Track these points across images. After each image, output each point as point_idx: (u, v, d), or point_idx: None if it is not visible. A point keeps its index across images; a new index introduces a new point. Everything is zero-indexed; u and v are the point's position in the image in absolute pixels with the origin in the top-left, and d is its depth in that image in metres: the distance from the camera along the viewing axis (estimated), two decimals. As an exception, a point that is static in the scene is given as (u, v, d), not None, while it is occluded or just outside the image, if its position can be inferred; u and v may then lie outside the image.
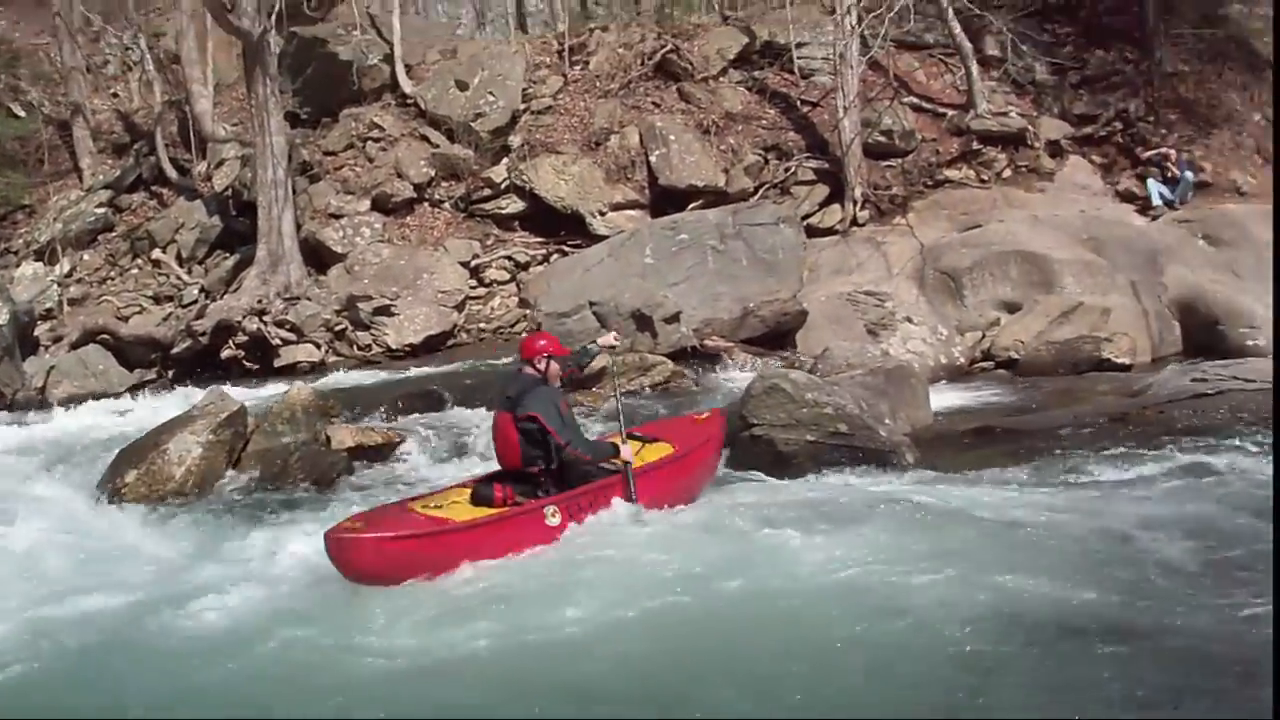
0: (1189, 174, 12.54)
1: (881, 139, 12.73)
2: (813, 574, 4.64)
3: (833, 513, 5.49)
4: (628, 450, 5.53)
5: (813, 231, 12.19)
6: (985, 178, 12.53)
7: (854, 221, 12.12)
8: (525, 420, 5.28)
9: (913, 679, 3.78)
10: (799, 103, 13.59)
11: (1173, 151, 12.70)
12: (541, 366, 5.48)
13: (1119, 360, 10.31)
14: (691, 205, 12.42)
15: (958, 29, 13.07)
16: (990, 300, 11.03)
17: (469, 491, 5.46)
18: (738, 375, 9.59)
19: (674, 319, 10.23)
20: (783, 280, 11.04)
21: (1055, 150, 12.92)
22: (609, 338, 6.25)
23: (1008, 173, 12.66)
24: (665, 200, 12.74)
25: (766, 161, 12.91)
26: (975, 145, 12.72)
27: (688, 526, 5.44)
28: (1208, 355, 10.32)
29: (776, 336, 10.60)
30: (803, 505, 5.70)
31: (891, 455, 6.86)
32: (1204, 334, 10.82)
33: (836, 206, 12.33)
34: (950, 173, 12.54)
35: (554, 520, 5.20)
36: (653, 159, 12.87)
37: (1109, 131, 13.18)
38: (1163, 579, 4.56)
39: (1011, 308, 11.00)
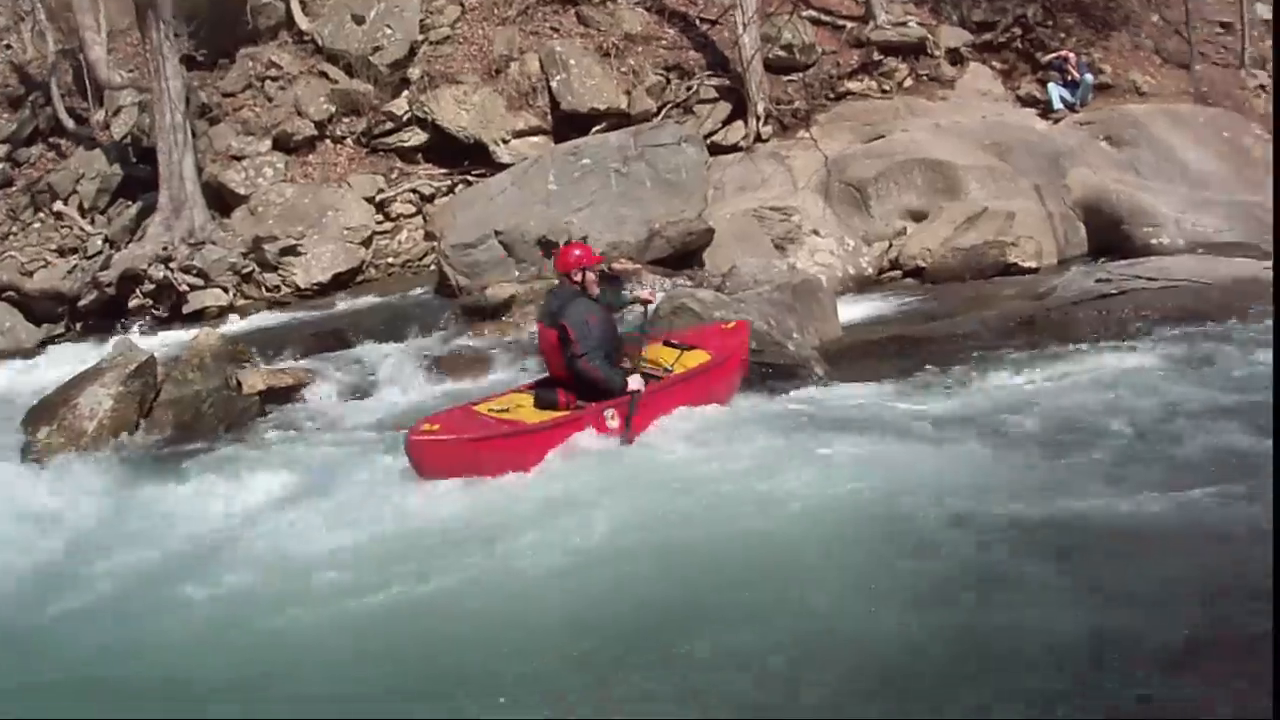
0: (1089, 76, 12.63)
1: (782, 54, 12.54)
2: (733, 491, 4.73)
3: (745, 430, 5.59)
4: (637, 380, 5.64)
5: (717, 149, 12.03)
6: (887, 88, 12.44)
7: (758, 137, 11.95)
8: (561, 330, 5.51)
9: (808, 592, 3.88)
10: (698, 21, 13.36)
11: (1072, 54, 12.78)
12: (579, 279, 5.65)
13: (1025, 264, 10.41)
14: (595, 129, 12.18)
15: None
16: (896, 210, 11.00)
17: (530, 396, 5.75)
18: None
19: None
20: (687, 200, 10.88)
21: (956, 58, 12.88)
22: (646, 292, 6.49)
23: (909, 82, 12.57)
24: (568, 125, 12.50)
25: (668, 81, 12.69)
26: (876, 56, 12.60)
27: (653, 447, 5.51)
28: (1112, 255, 10.49)
29: (684, 256, 10.44)
30: (713, 425, 5.73)
31: (800, 369, 6.93)
32: (1108, 234, 10.93)
33: (740, 123, 12.14)
34: (852, 84, 12.41)
35: (613, 424, 5.50)
36: (554, 84, 12.62)
37: (1008, 37, 13.17)
38: (1067, 477, 4.66)
39: (918, 216, 10.97)
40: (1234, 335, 6.91)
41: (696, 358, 6.09)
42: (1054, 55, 12.82)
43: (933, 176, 11.05)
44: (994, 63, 13.09)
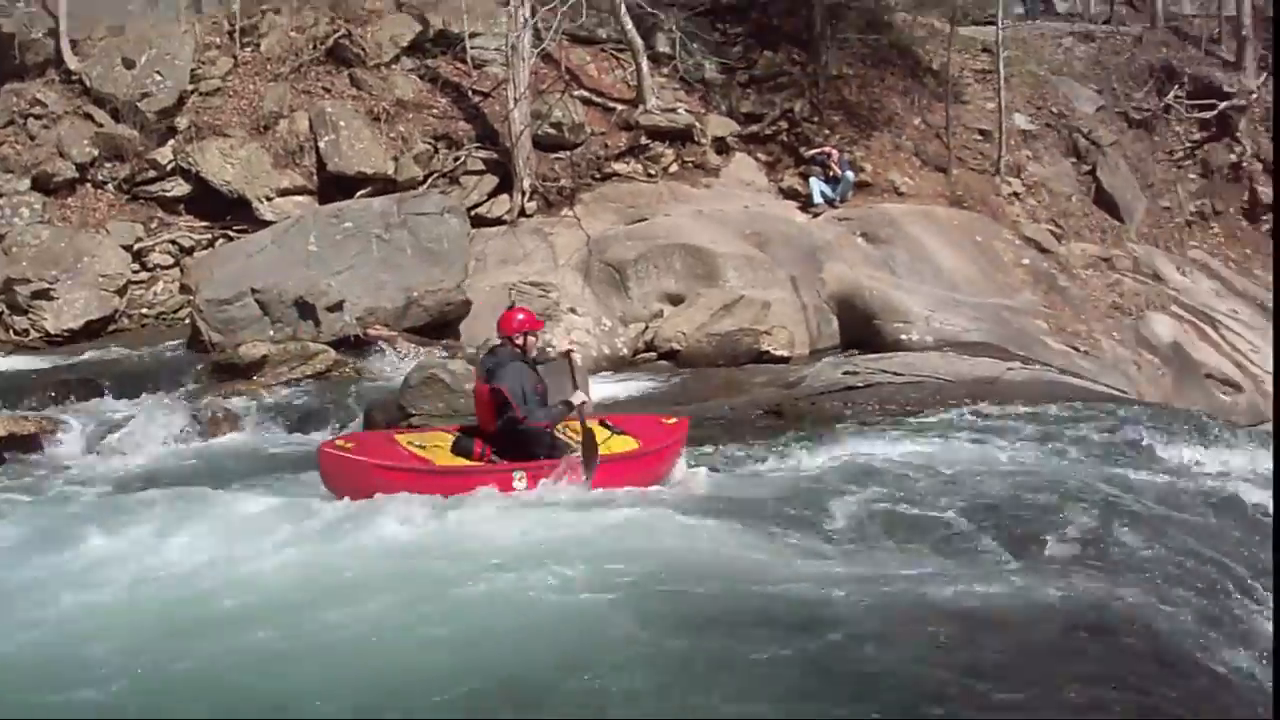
0: (849, 173, 16.75)
1: (551, 131, 16.10)
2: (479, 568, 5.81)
3: (481, 502, 6.96)
4: (579, 395, 7.46)
5: (481, 221, 15.26)
6: (653, 172, 16.27)
7: (522, 212, 15.35)
8: (495, 391, 7.27)
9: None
10: (470, 93, 16.82)
11: (835, 151, 16.84)
12: (520, 342, 7.47)
13: (777, 352, 13.64)
14: (360, 193, 15.18)
15: (629, 25, 16.69)
16: (654, 292, 14.45)
17: (451, 439, 7.58)
18: (401, 365, 11.99)
19: (337, 307, 12.96)
20: (447, 270, 14.04)
21: (722, 147, 16.94)
22: (565, 345, 9.00)
23: (675, 168, 16.45)
24: (334, 187, 15.46)
25: (436, 150, 15.98)
26: (644, 140, 16.37)
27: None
28: (863, 348, 13.72)
29: (441, 326, 13.42)
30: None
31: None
32: (860, 328, 14.58)
33: (505, 197, 15.49)
34: (618, 166, 16.15)
35: (519, 484, 7.14)
36: (322, 145, 15.67)
37: (775, 130, 17.43)
38: (798, 558, 6.05)
39: (675, 300, 14.42)
40: (971, 428, 9.24)
41: (624, 443, 7.79)
42: (817, 150, 16.91)
43: (692, 262, 14.61)
44: (759, 154, 17.27)
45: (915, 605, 5.29)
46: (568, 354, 8.18)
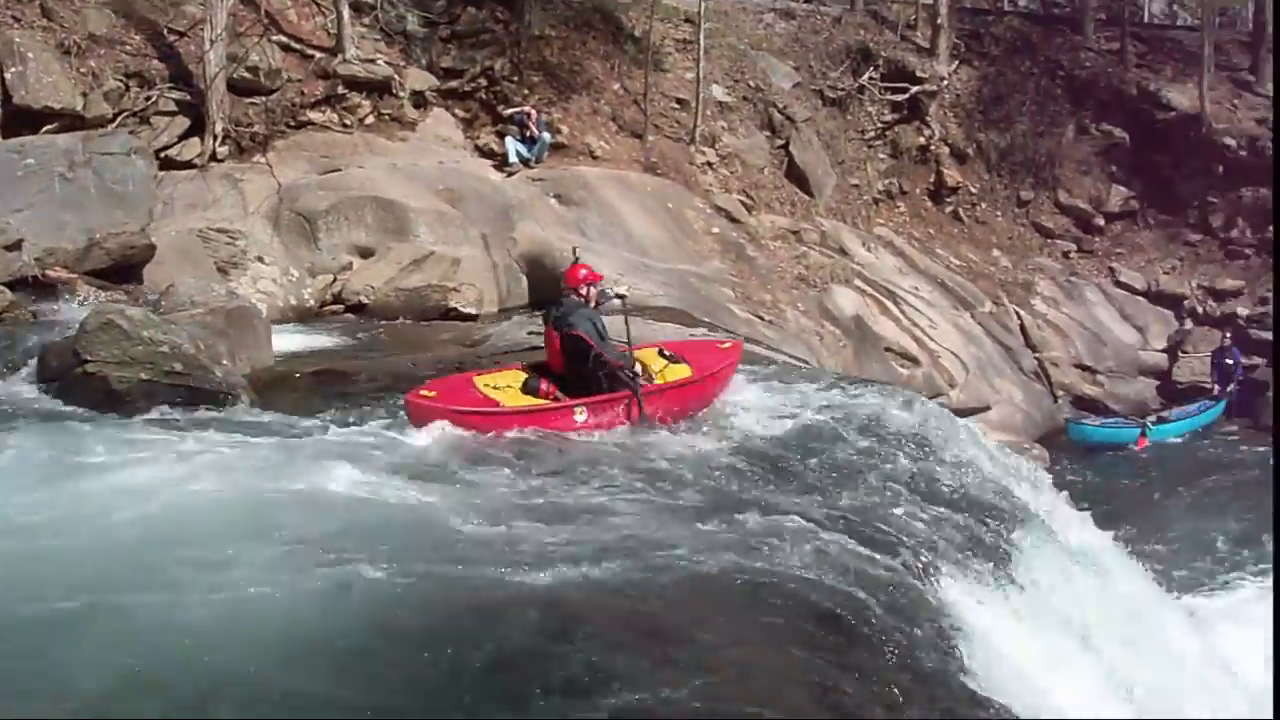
0: (546, 135, 19.03)
1: (247, 75, 17.52)
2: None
3: (158, 454, 7.62)
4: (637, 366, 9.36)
5: (171, 164, 16.55)
6: (348, 123, 18.06)
7: (213, 157, 16.78)
8: (570, 336, 8.99)
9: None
10: (166, 31, 18.03)
11: (533, 111, 19.01)
12: (584, 292, 9.27)
13: (465, 310, 15.32)
14: (46, 128, 16.03)
15: None
16: (344, 244, 16.21)
17: (524, 377, 9.22)
18: (79, 308, 12.62)
19: (15, 246, 14.06)
20: (131, 213, 15.21)
21: (420, 101, 18.89)
22: (623, 289, 10.77)
23: (371, 120, 18.29)
24: (20, 121, 16.09)
25: (128, 88, 16.97)
26: (341, 90, 18.08)
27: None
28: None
29: (124, 270, 14.60)
30: (129, 445, 7.71)
31: (227, 396, 9.26)
32: (549, 289, 15.66)
33: (196, 140, 16.92)
34: (314, 115, 17.84)
35: (580, 417, 8.92)
36: (8, 76, 16.24)
37: (474, 87, 19.54)
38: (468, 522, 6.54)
39: (365, 253, 16.21)
40: None
41: (679, 371, 9.69)
42: (516, 110, 19.06)
43: (384, 215, 16.42)
44: (457, 110, 19.36)
45: (572, 577, 5.76)
46: (620, 297, 10.21)
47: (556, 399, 9.11)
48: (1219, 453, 21.45)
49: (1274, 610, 8.14)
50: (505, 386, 9.19)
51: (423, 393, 8.80)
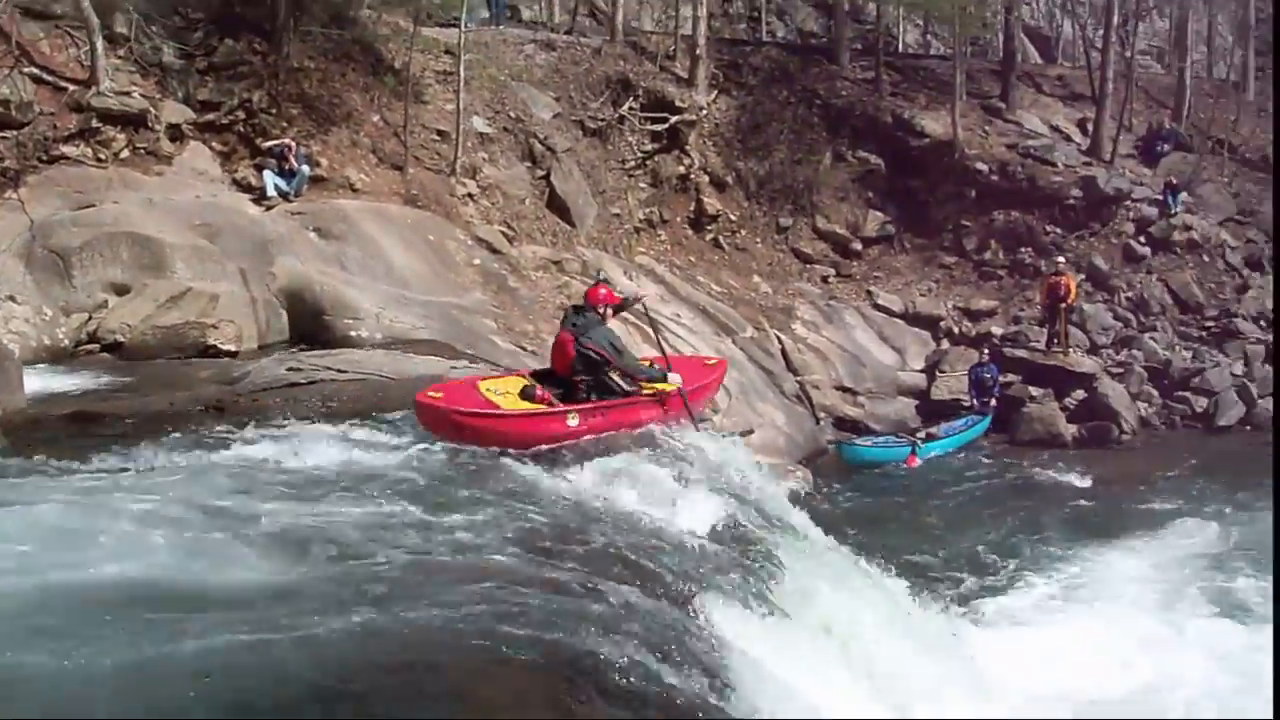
0: (305, 167, 20.18)
1: None
2: None
3: None
4: (676, 376, 11.14)
5: None
6: (103, 157, 18.86)
7: (-40, 193, 17.79)
8: (587, 348, 10.48)
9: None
10: (-89, 61, 18.78)
11: (293, 144, 20.14)
12: (602, 311, 10.75)
13: (225, 346, 15.92)
14: None
15: (86, 2, 19.06)
16: (100, 282, 16.82)
17: (524, 384, 10.62)
18: None
19: None
20: None
21: (177, 134, 19.85)
22: (641, 292, 12.11)
23: (126, 153, 19.14)
24: None
25: None
26: (95, 123, 18.92)
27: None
28: (313, 344, 16.23)
29: None
30: None
31: None
32: (310, 323, 17.45)
33: (-60, 175, 17.89)
34: (67, 149, 18.56)
35: (573, 422, 10.34)
36: None
37: (232, 120, 20.61)
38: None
39: (121, 290, 16.82)
40: (403, 430, 10.46)
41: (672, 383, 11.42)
42: (275, 142, 20.15)
43: (140, 252, 17.11)
44: (215, 143, 20.37)
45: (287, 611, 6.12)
46: (638, 298, 12.75)
47: (551, 404, 10.50)
48: (981, 467, 23.70)
49: (1274, 610, 8.76)
50: (505, 392, 10.58)
51: (430, 393, 10.16)
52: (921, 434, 24.54)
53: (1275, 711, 8.00)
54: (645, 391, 11.18)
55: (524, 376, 11.10)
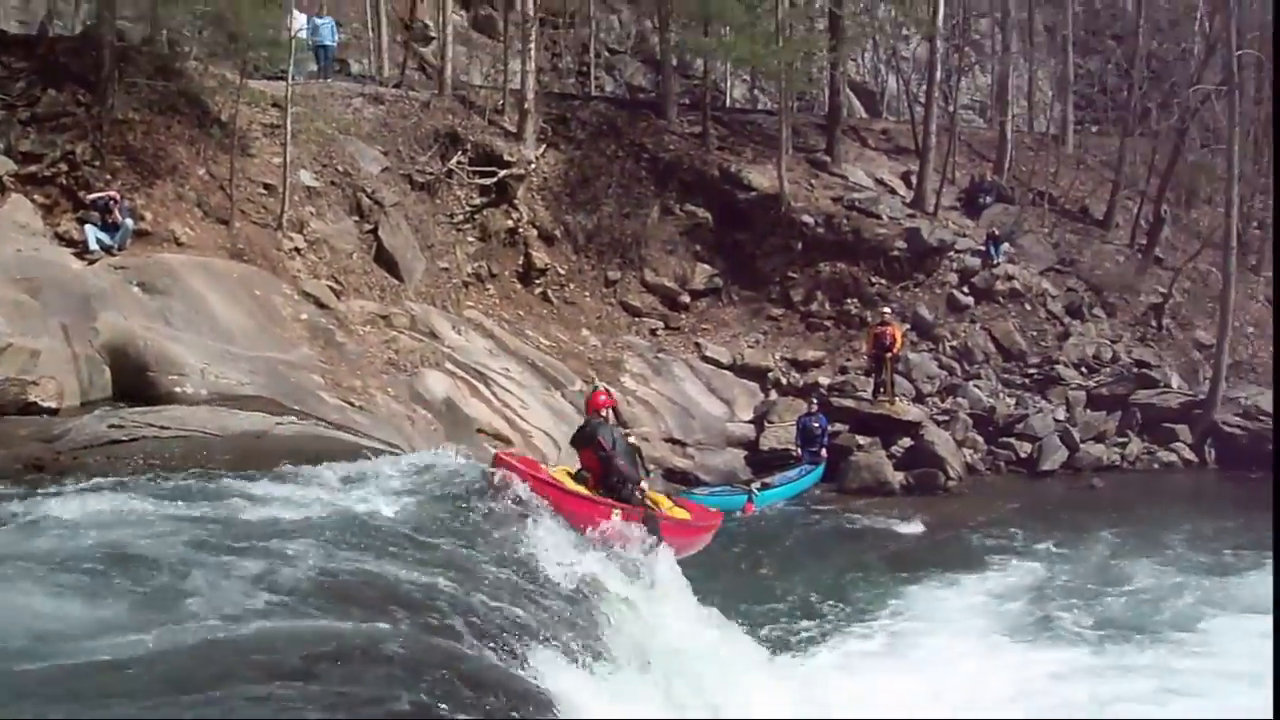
0: (129, 221, 20.78)
1: None
2: None
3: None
4: (646, 482, 13.05)
5: None
6: (-84, 212, 19.82)
7: None
8: (597, 447, 12.25)
9: None
10: None
11: (117, 196, 20.68)
12: (605, 414, 12.70)
13: (45, 404, 15.87)
14: None
15: None
16: None
17: (573, 470, 12.68)
18: None
19: None
20: None
21: (-1, 187, 20.84)
22: (645, 481, 13.24)
23: (-54, 210, 20.14)
24: None
25: None
26: None
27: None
28: (137, 401, 16.52)
29: None
30: None
31: None
32: (134, 379, 17.84)
33: None
34: None
35: (616, 517, 12.14)
36: None
37: (54, 172, 21.26)
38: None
39: None
40: (234, 487, 11.07)
41: (680, 513, 13.55)
42: (98, 195, 20.67)
43: None
44: (37, 196, 20.90)
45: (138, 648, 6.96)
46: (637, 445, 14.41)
47: (598, 493, 12.38)
48: (813, 515, 25.12)
49: (1274, 609, 9.07)
50: (563, 471, 12.75)
51: (507, 455, 12.29)
52: (757, 484, 25.65)
53: (1275, 712, 8.51)
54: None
55: (569, 471, 13.05)
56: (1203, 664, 16.07)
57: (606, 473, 12.54)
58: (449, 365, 23.66)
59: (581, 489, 12.50)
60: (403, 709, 6.35)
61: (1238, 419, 31.30)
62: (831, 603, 19.00)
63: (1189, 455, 31.07)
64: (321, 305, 22.34)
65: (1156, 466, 30.64)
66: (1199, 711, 14.08)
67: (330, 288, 23.24)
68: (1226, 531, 23.86)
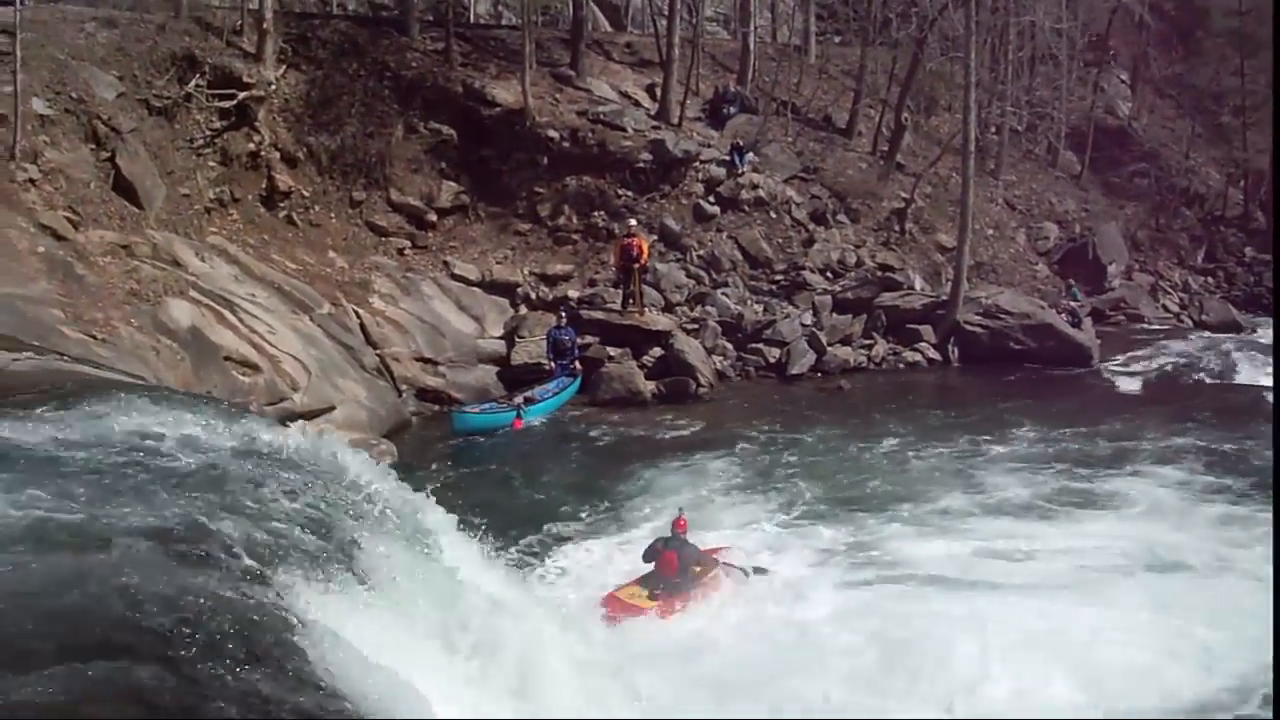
0: None
1: None
2: None
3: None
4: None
5: None
6: None
7: None
8: (685, 559, 16.61)
9: None
10: None
11: None
12: (684, 533, 16.79)
13: None
14: None
15: None
16: None
17: (645, 590, 16.70)
18: None
19: None
20: None
21: None
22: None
23: None
24: None
25: None
26: None
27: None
28: None
29: None
30: None
31: None
32: None
33: None
34: None
35: (679, 607, 16.36)
36: None
37: None
38: None
39: None
40: None
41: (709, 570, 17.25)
42: None
43: None
44: None
45: None
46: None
47: (666, 594, 16.62)
48: (569, 429, 26.78)
49: (1274, 608, 9.13)
50: (638, 591, 16.75)
51: (620, 596, 16.65)
52: (520, 399, 27.02)
53: (1275, 712, 8.82)
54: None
55: (638, 583, 17.03)
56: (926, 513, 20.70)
57: (681, 577, 16.85)
58: (193, 293, 24.04)
59: (649, 602, 16.65)
60: (124, 640, 6.18)
61: (979, 318, 34.21)
62: (590, 511, 20.82)
63: (933, 355, 33.88)
64: (59, 237, 22.52)
65: (902, 366, 33.41)
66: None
67: (68, 219, 23.41)
68: (960, 422, 27.39)
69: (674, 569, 16.94)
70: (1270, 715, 8.79)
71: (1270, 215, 50.72)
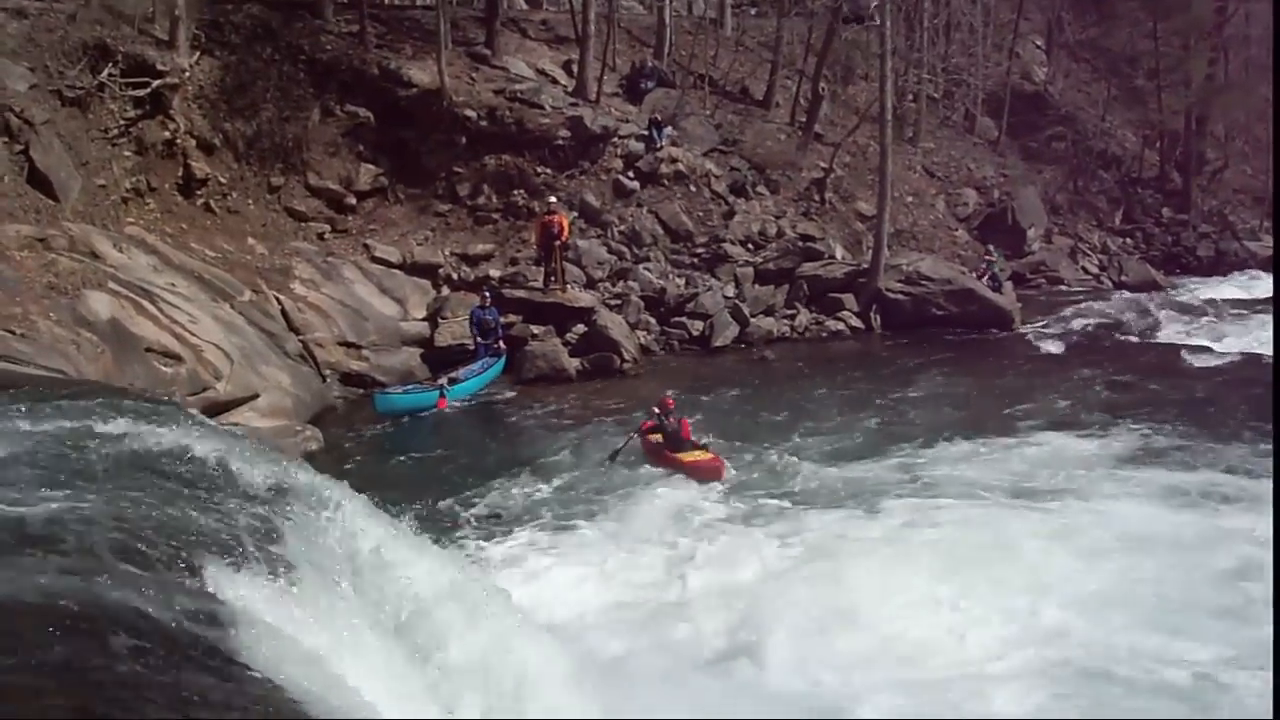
0: None
1: None
2: None
3: None
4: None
5: None
6: None
7: None
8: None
9: None
10: None
11: None
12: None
13: None
14: None
15: None
16: None
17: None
18: None
19: None
20: None
21: None
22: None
23: None
24: None
25: None
26: None
27: None
28: None
29: None
30: None
31: None
32: None
33: None
34: None
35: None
36: None
37: None
38: None
39: None
40: None
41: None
42: None
43: None
44: None
45: None
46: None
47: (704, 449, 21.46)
48: (492, 408, 27.29)
49: (1274, 608, 9.24)
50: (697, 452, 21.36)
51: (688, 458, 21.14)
52: (444, 379, 27.26)
53: (1275, 712, 8.62)
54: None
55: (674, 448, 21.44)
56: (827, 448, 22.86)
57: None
58: (112, 285, 24.07)
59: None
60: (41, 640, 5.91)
61: (900, 285, 35.18)
62: (515, 486, 20.99)
63: (856, 323, 34.77)
64: (-28, 233, 22.36)
65: (825, 335, 34.25)
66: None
67: (-19, 214, 23.28)
68: (878, 388, 28.43)
69: (688, 432, 21.37)
70: (1270, 716, 8.91)
71: (1185, 175, 52.20)
